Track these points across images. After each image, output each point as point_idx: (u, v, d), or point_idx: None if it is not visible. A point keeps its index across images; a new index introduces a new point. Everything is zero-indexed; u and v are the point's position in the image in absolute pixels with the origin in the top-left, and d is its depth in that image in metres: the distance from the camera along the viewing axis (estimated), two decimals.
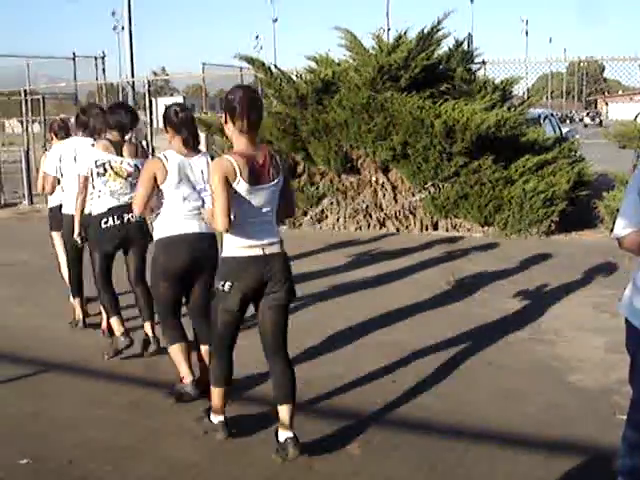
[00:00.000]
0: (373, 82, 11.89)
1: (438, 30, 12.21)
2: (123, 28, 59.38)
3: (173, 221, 5.06)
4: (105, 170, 5.95)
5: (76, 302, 7.31)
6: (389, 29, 42.10)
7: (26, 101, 20.27)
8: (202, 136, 25.80)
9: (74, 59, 23.59)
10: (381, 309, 7.59)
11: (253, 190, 4.15)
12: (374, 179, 12.29)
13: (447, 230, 11.91)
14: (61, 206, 7.10)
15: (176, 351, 5.22)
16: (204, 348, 5.22)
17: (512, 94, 13.02)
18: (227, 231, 4.13)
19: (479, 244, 11.00)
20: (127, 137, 6.19)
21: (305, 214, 12.65)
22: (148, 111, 17.83)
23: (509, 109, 12.05)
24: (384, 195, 12.24)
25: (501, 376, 5.68)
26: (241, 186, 4.10)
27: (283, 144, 12.44)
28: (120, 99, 31.38)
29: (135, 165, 6.01)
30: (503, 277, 8.91)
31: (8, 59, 25.68)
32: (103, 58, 23.94)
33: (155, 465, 4.39)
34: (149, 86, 17.38)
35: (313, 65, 13.20)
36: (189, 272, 5.12)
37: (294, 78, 12.95)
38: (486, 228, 11.68)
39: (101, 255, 6.16)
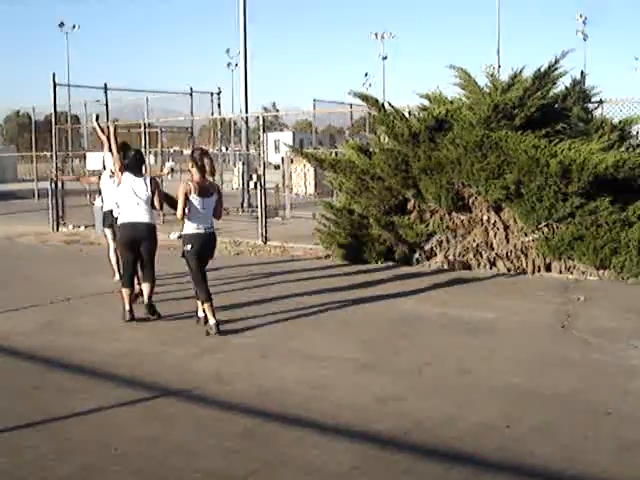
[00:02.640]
0: (487, 120, 11.81)
1: (555, 69, 12.04)
2: (237, 65, 61.20)
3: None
4: None
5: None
6: (500, 66, 41.88)
7: (145, 133, 21.05)
8: (311, 170, 26.29)
9: (191, 94, 24.48)
10: (492, 352, 7.46)
11: (200, 199, 8.29)
12: (485, 218, 12.14)
13: (560, 272, 11.60)
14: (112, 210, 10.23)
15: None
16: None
17: (631, 134, 12.64)
18: (182, 219, 8.43)
19: (595, 287, 10.65)
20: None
21: (414, 251, 12.60)
22: (261, 145, 18.12)
23: (628, 149, 11.71)
24: (495, 234, 12.06)
25: (622, 427, 5.46)
26: (194, 196, 8.27)
27: (394, 180, 12.47)
28: (232, 133, 32.30)
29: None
30: (620, 322, 8.60)
31: (127, 93, 26.86)
32: (219, 94, 24.79)
33: None
34: (263, 122, 17.73)
35: (425, 102, 13.23)
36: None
37: (407, 115, 13.01)
38: (602, 271, 11.30)
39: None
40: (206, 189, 8.35)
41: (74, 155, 27.60)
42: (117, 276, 10.89)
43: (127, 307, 8.90)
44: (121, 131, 26.02)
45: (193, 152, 8.84)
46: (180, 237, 8.78)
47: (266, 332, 8.33)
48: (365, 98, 13.17)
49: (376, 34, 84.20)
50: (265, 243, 15.65)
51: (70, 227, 19.05)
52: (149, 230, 9.15)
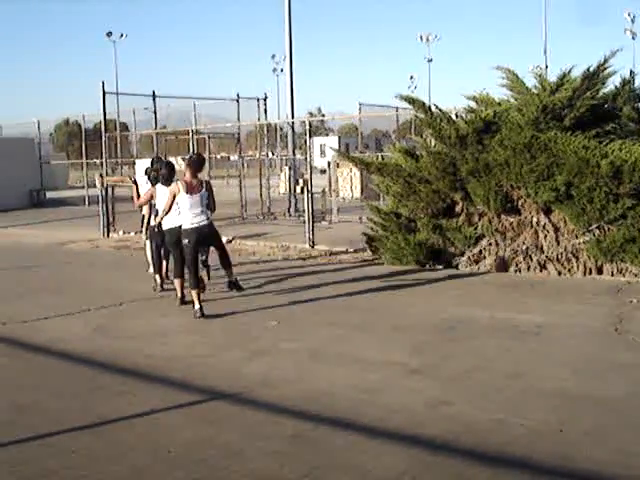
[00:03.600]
0: (536, 122, 11.69)
1: (605, 69, 11.86)
2: (282, 70, 61.53)
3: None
4: None
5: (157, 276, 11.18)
6: (547, 67, 41.34)
7: (192, 140, 21.26)
8: (357, 174, 26.29)
9: (238, 101, 24.66)
10: (543, 356, 7.36)
11: (189, 196, 9.33)
12: (535, 220, 12.00)
13: (612, 275, 11.39)
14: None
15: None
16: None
17: None
18: (165, 214, 9.82)
19: None
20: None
21: (462, 254, 12.51)
22: (308, 150, 18.18)
23: None
24: (545, 237, 11.91)
25: None
26: (183, 194, 9.33)
27: (441, 183, 12.40)
28: (278, 138, 32.47)
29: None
30: None
31: (174, 100, 27.18)
32: (265, 99, 24.92)
33: None
34: (310, 127, 17.79)
35: (473, 105, 13.14)
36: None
37: (454, 118, 12.93)
38: None
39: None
40: (194, 187, 9.42)
41: (123, 162, 28.00)
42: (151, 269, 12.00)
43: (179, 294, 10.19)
44: (169, 138, 26.43)
45: (190, 157, 10.40)
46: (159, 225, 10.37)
47: (315, 335, 8.35)
48: (411, 101, 13.12)
49: (421, 36, 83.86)
50: (312, 247, 15.68)
51: (120, 233, 19.32)
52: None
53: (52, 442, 5.39)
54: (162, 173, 10.78)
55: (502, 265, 12.02)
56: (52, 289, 11.85)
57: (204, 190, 9.54)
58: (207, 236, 9.62)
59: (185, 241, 9.49)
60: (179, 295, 10.15)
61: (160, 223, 10.29)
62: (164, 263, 11.47)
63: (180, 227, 9.61)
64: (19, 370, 7.37)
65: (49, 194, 32.44)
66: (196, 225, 9.41)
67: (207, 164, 22.96)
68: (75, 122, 65.06)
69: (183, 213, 9.44)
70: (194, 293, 9.40)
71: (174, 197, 9.42)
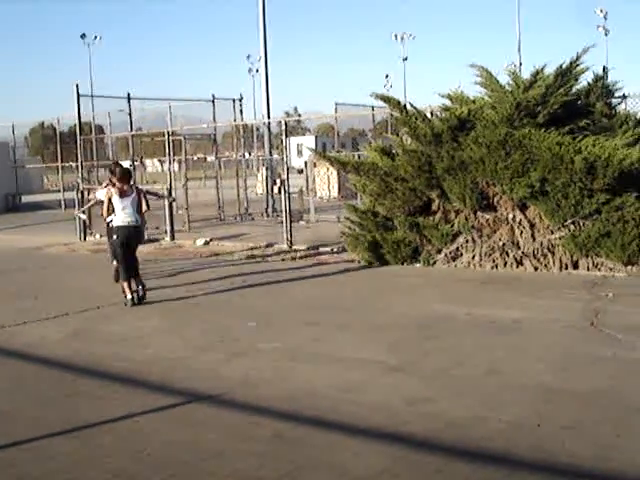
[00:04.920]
0: (510, 119, 11.77)
1: (577, 65, 11.96)
2: (257, 71, 61.46)
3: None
4: None
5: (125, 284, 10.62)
6: (521, 64, 41.61)
7: (168, 142, 21.17)
8: (335, 173, 26.32)
9: (213, 101, 24.61)
10: (521, 351, 7.42)
11: (120, 199, 10.58)
12: (511, 216, 12.08)
13: (588, 269, 11.50)
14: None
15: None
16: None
17: None
18: (108, 216, 10.96)
19: (623, 284, 10.56)
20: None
21: (439, 252, 12.57)
22: (284, 150, 18.18)
23: None
24: (521, 233, 11.99)
25: None
26: (116, 198, 10.56)
27: (417, 182, 12.45)
28: (255, 138, 32.43)
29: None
30: None
31: (149, 102, 27.06)
32: (241, 100, 24.90)
33: None
34: (286, 127, 17.79)
35: (447, 103, 13.21)
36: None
37: (429, 116, 12.99)
38: (630, 267, 11.19)
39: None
40: (125, 191, 10.73)
41: (99, 165, 27.80)
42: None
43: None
44: (145, 139, 26.32)
45: (111, 167, 11.98)
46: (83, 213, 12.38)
47: (294, 335, 8.36)
48: (387, 100, 13.17)
49: (396, 35, 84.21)
50: (290, 247, 15.68)
51: (97, 236, 19.19)
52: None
53: (31, 447, 5.35)
54: (123, 173, 11.35)
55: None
56: (29, 294, 11.75)
57: (134, 194, 10.85)
58: (133, 235, 10.85)
59: (114, 237, 10.85)
60: (129, 295, 10.53)
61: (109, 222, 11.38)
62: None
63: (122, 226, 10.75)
64: None
65: (25, 198, 32.20)
66: (125, 224, 10.68)
67: (184, 165, 22.95)
68: (50, 125, 64.51)
69: (116, 213, 10.74)
70: (125, 285, 10.48)
71: (109, 200, 10.76)
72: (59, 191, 31.10)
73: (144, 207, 11.10)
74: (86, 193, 19.69)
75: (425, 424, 5.48)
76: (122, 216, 10.67)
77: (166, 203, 18.14)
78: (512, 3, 59.34)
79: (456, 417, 5.59)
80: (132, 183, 11.43)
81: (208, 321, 9.30)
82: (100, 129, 33.26)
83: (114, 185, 10.98)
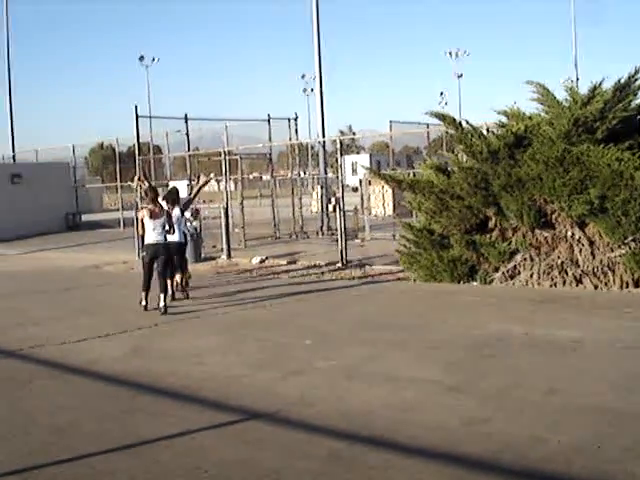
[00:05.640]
0: (568, 135, 11.62)
1: (636, 80, 11.77)
2: (312, 90, 61.69)
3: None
4: None
5: (143, 295, 11.60)
6: (578, 79, 41.11)
7: (225, 161, 21.42)
8: (389, 191, 26.29)
9: (269, 121, 24.82)
10: (580, 371, 7.27)
11: (152, 221, 11.44)
12: (570, 234, 11.89)
13: None
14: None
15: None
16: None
17: None
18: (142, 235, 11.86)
19: None
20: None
21: (497, 270, 12.42)
22: (339, 169, 18.23)
23: None
24: (580, 251, 11.79)
25: None
26: (147, 219, 11.46)
27: (474, 199, 12.36)
28: (310, 157, 32.60)
29: None
30: None
31: (206, 122, 27.44)
32: (296, 119, 25.05)
33: None
34: (341, 145, 17.84)
35: (503, 119, 13.11)
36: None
37: (485, 133, 12.90)
38: None
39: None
40: (156, 213, 11.58)
41: (157, 185, 28.21)
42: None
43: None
44: (202, 159, 26.66)
45: (147, 190, 12.36)
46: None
47: (350, 354, 8.34)
48: (442, 117, 13.13)
49: (450, 52, 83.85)
50: (345, 265, 15.68)
51: None
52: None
53: (91, 463, 5.43)
54: (155, 196, 12.10)
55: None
56: (89, 311, 11.98)
57: (165, 216, 11.68)
58: (162, 251, 11.68)
59: (143, 253, 12.00)
60: (144, 302, 11.56)
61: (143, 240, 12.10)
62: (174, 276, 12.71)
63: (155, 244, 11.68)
64: (58, 391, 7.45)
65: (84, 217, 32.86)
66: (153, 242, 11.61)
67: (240, 185, 23.14)
68: (109, 146, 65.87)
69: (147, 233, 11.63)
70: (144, 295, 11.55)
71: (142, 220, 11.67)
72: (118, 210, 31.68)
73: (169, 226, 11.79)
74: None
75: (482, 445, 5.40)
76: (152, 235, 11.60)
77: (223, 221, 18.32)
78: (568, 18, 58.50)
79: (514, 438, 5.49)
80: (168, 205, 12.35)
81: (263, 339, 9.34)
82: (158, 149, 33.81)
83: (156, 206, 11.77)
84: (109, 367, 8.25)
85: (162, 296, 11.36)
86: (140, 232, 12.03)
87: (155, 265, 11.74)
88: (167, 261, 11.86)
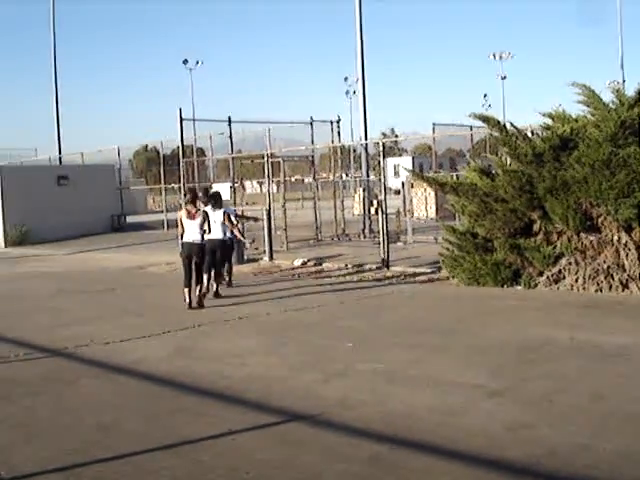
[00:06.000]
0: (614, 137, 11.44)
1: None
2: (355, 92, 61.70)
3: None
4: None
5: (185, 292, 12.15)
6: (624, 81, 40.40)
7: (267, 164, 21.51)
8: (432, 194, 26.15)
9: (311, 124, 24.86)
10: (627, 378, 7.15)
11: (189, 221, 12.21)
12: (616, 238, 11.69)
13: None
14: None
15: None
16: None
17: None
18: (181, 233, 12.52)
19: None
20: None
21: (541, 274, 12.27)
22: (382, 171, 18.19)
23: None
24: (627, 255, 11.59)
25: None
26: (185, 219, 12.26)
27: (518, 202, 12.24)
28: (352, 160, 32.61)
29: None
30: None
31: (249, 124, 27.58)
32: (338, 122, 25.06)
33: None
34: (383, 148, 17.81)
35: (548, 121, 12.95)
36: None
37: (529, 135, 12.77)
38: None
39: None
40: (193, 214, 12.32)
41: (200, 187, 28.45)
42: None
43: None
44: (244, 161, 26.82)
45: (186, 193, 13.76)
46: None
47: (392, 357, 8.31)
48: (486, 119, 13.02)
49: (494, 54, 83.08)
50: (387, 268, 15.63)
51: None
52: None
53: (132, 461, 5.49)
54: (203, 200, 13.20)
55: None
56: (133, 311, 12.13)
57: (200, 217, 12.29)
58: (196, 250, 12.34)
59: (180, 251, 12.58)
60: (187, 300, 12.11)
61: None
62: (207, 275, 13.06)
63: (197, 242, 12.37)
64: (102, 390, 7.55)
65: (129, 218, 33.26)
66: (189, 241, 12.28)
67: (282, 187, 23.26)
68: (153, 148, 66.78)
69: (185, 232, 12.37)
70: (186, 291, 12.10)
71: (181, 220, 12.41)
72: (162, 212, 31.99)
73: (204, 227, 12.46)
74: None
75: (525, 450, 5.33)
76: (187, 235, 12.34)
77: (265, 223, 18.41)
78: (614, 19, 57.66)
79: (558, 444, 5.41)
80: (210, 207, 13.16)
81: (305, 341, 9.36)
82: (201, 151, 34.10)
83: (195, 207, 12.56)
84: (153, 367, 8.33)
85: (200, 287, 12.30)
86: (180, 231, 12.55)
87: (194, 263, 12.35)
88: (203, 258, 12.48)
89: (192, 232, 12.26)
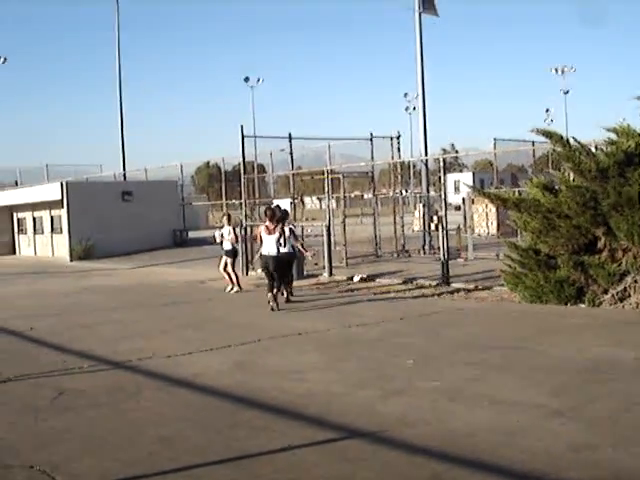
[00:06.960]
0: None
1: None
2: (414, 108, 61.56)
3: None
4: None
5: (269, 295, 13.51)
6: None
7: (327, 180, 21.58)
8: (493, 210, 25.86)
9: (371, 140, 24.87)
10: None
11: (267, 236, 13.97)
12: None
13: None
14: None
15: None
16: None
17: None
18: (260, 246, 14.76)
19: None
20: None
21: (606, 292, 12.02)
22: (443, 187, 18.08)
23: None
24: None
25: None
26: (264, 235, 14.04)
27: (582, 218, 12.03)
28: (412, 175, 32.50)
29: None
30: None
31: (309, 141, 27.75)
32: (398, 138, 25.02)
33: None
34: (444, 164, 17.71)
35: (613, 136, 12.72)
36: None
37: (593, 150, 12.56)
38: None
39: None
40: (270, 230, 13.93)
41: (261, 203, 28.71)
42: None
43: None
44: (304, 178, 26.96)
45: (266, 210, 14.73)
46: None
47: (452, 375, 8.23)
48: (549, 134, 12.85)
49: (556, 69, 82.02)
50: (448, 284, 15.51)
51: (259, 271, 19.76)
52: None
53: (195, 474, 5.55)
54: (272, 215, 14.37)
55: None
56: (194, 325, 12.27)
57: (278, 233, 13.86)
58: (272, 262, 13.80)
59: (261, 261, 14.34)
60: (271, 304, 13.47)
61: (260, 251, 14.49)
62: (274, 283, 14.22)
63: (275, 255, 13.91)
64: (164, 403, 7.65)
65: (191, 234, 33.72)
66: (266, 253, 13.91)
67: (342, 203, 23.28)
68: (215, 165, 67.54)
69: (263, 245, 14.05)
70: (270, 296, 13.51)
71: (260, 234, 14.15)
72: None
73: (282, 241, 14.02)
74: (249, 229, 20.41)
75: (589, 472, 5.22)
76: (265, 247, 14.03)
77: (325, 239, 18.46)
78: None
79: (623, 467, 5.28)
80: (280, 224, 14.20)
81: (364, 357, 9.33)
82: (262, 168, 34.39)
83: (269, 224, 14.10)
84: (214, 380, 8.41)
85: (274, 292, 13.68)
86: (258, 243, 14.45)
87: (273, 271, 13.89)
88: (278, 268, 13.89)
89: (269, 245, 13.89)
